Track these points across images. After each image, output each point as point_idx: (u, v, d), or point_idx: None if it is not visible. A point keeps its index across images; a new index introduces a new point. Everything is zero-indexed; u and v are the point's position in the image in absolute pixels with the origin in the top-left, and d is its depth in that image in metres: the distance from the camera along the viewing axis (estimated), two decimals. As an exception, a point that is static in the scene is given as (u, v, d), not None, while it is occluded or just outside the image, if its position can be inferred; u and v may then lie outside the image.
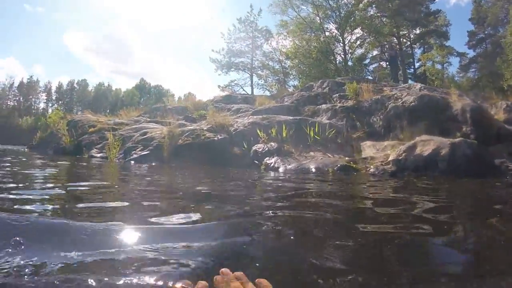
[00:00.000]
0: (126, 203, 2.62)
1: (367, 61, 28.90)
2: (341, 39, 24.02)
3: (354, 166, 6.57)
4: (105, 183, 4.25)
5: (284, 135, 8.00)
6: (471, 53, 29.49)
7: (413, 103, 8.99)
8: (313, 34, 23.28)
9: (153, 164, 8.14)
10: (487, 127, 8.50)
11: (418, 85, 11.75)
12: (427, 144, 7.37)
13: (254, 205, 2.78)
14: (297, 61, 22.46)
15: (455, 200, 3.68)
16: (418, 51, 31.22)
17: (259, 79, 24.57)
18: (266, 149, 7.38)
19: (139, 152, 9.15)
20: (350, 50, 24.61)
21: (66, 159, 10.54)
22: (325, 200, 3.18)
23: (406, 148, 7.29)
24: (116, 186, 4.04)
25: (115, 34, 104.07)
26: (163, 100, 17.92)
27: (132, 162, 8.59)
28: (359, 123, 9.36)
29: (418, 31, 28.47)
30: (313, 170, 6.19)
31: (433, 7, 27.47)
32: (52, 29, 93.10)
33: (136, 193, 3.44)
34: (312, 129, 8.08)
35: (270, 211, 2.39)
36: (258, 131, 7.99)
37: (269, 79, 24.33)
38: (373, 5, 25.37)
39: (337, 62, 24.13)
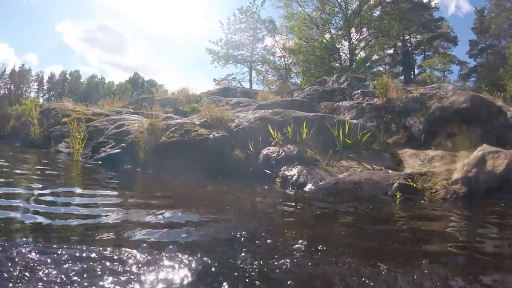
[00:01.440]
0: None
1: (367, 64, 27.06)
2: (347, 38, 21.87)
3: (415, 185, 4.33)
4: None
5: (304, 135, 5.71)
6: (471, 63, 27.89)
7: (464, 105, 6.83)
8: (317, 31, 21.06)
9: (126, 167, 5.83)
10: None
11: (450, 86, 9.59)
12: (498, 157, 5.28)
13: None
14: (301, 57, 20.12)
15: None
16: (418, 58, 29.57)
17: (257, 75, 22.20)
18: (283, 154, 5.08)
19: (108, 150, 6.80)
20: (355, 51, 22.49)
21: (28, 152, 8.47)
22: None
23: (476, 162, 5.13)
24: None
25: (110, 24, 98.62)
26: (152, 90, 15.29)
27: (98, 162, 6.29)
28: (395, 126, 7.15)
29: (419, 37, 26.78)
30: (362, 190, 3.92)
31: (435, 15, 25.85)
32: (47, 17, 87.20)
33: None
34: (340, 129, 5.81)
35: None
36: (271, 129, 5.67)
37: (269, 75, 21.97)
38: (379, 6, 23.37)
39: (342, 61, 22.00)
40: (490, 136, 6.62)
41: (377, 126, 7.10)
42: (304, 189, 4.14)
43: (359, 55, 23.97)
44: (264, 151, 5.35)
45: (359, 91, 9.19)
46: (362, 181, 4.24)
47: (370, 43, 23.23)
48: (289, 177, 4.50)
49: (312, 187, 4.11)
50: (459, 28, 55.31)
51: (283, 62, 21.80)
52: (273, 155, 5.14)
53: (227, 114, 7.53)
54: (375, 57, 27.86)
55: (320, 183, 4.15)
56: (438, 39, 24.29)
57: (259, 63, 22.37)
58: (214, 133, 6.29)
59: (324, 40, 21.38)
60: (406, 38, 25.53)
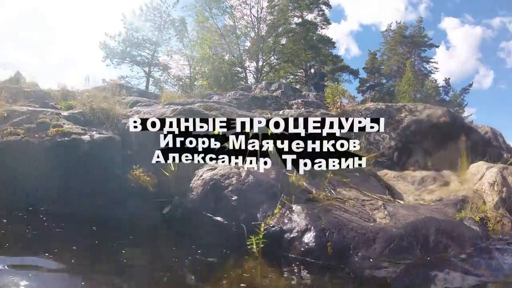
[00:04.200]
0: None
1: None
2: (254, 59, 20.78)
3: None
4: None
5: (269, 145, 3.18)
6: (359, 97, 30.75)
7: (443, 119, 5.54)
8: (227, 47, 19.24)
9: None
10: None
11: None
12: (510, 174, 4.19)
13: None
14: (209, 68, 17.78)
15: None
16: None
17: (154, 85, 18.40)
18: (250, 179, 2.37)
19: None
20: (263, 73, 21.53)
21: None
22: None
23: (502, 181, 3.85)
24: None
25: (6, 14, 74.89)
26: (19, 81, 10.09)
27: None
28: (365, 141, 5.36)
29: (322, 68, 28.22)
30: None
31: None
32: None
33: None
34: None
35: None
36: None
37: (167, 85, 18.52)
38: (288, 35, 23.44)
39: (248, 81, 20.67)
40: (472, 152, 5.51)
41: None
42: (341, 265, 1.55)
43: (264, 78, 23.21)
44: (204, 173, 2.55)
45: (300, 100, 7.26)
46: (427, 227, 1.94)
47: (275, 67, 22.75)
48: (290, 235, 1.82)
49: (363, 257, 1.56)
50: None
51: (187, 72, 18.85)
52: (228, 181, 2.37)
53: (116, 108, 4.40)
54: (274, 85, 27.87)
55: (374, 247, 1.63)
56: (340, 71, 25.78)
57: (159, 69, 18.87)
58: (94, 132, 3.18)
59: (232, 57, 19.77)
60: (311, 67, 26.42)
